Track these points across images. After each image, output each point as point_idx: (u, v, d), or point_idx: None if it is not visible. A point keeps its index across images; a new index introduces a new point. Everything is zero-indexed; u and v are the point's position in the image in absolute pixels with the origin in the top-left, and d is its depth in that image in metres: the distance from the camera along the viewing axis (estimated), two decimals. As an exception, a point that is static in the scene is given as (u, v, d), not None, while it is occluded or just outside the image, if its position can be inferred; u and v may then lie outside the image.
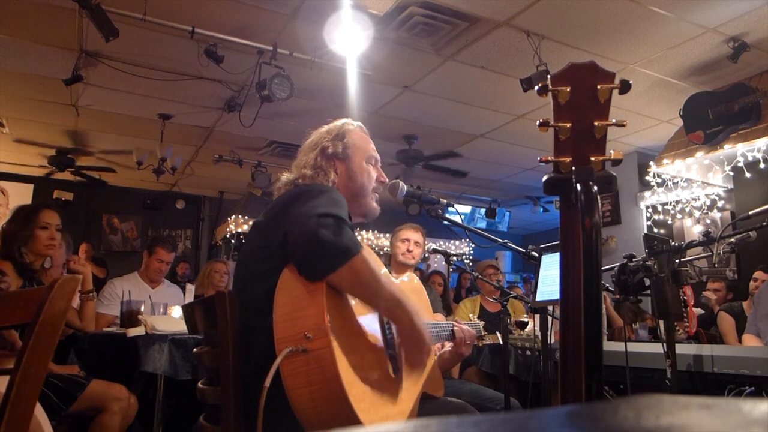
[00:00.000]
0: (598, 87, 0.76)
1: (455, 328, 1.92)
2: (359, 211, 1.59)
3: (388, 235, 3.23)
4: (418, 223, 3.01)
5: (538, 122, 0.78)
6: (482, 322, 2.31)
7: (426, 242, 3.17)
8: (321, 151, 1.56)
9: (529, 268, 9.34)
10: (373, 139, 1.69)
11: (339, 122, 1.66)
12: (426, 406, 1.58)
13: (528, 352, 3.08)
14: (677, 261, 1.87)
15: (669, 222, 5.86)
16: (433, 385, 1.73)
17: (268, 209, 1.46)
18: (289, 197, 1.38)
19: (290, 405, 1.12)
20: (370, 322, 1.34)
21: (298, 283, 1.19)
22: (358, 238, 1.26)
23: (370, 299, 1.28)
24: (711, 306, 4.51)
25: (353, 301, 1.30)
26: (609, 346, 2.43)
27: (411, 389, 1.45)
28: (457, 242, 8.75)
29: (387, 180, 1.67)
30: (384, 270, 1.55)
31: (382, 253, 7.39)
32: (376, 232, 8.01)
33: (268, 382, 1.08)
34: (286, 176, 1.60)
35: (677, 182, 5.33)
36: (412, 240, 2.98)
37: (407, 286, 1.93)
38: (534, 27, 3.78)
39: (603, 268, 1.22)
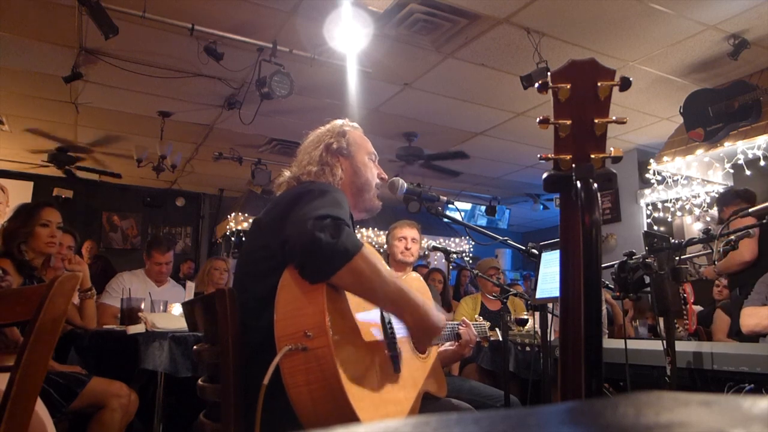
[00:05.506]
0: (599, 84, 0.76)
1: (461, 330, 1.93)
2: (363, 207, 1.60)
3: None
4: (418, 220, 3.00)
5: (538, 119, 0.78)
6: (488, 323, 2.32)
7: (425, 239, 3.17)
8: (326, 148, 1.56)
9: (529, 266, 9.35)
10: (373, 136, 1.70)
11: (338, 122, 1.67)
12: (427, 408, 1.58)
13: (528, 348, 3.09)
14: (677, 258, 1.87)
15: (669, 219, 5.86)
16: (436, 385, 1.73)
17: (270, 208, 1.46)
18: (290, 198, 1.37)
19: (290, 403, 1.12)
20: (371, 322, 1.34)
21: (299, 283, 1.19)
22: (358, 236, 1.26)
23: (372, 297, 1.27)
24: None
25: (354, 301, 1.30)
26: (609, 343, 2.43)
27: (412, 389, 1.45)
28: (457, 239, 8.73)
29: (386, 177, 1.68)
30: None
31: (382, 250, 7.37)
32: (375, 229, 7.99)
33: (266, 380, 1.08)
34: (288, 173, 1.59)
35: (677, 180, 5.33)
36: (408, 237, 2.93)
37: (410, 284, 1.92)
38: (534, 24, 3.77)
39: (603, 265, 1.22)
